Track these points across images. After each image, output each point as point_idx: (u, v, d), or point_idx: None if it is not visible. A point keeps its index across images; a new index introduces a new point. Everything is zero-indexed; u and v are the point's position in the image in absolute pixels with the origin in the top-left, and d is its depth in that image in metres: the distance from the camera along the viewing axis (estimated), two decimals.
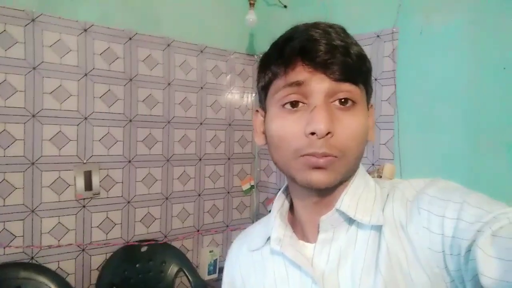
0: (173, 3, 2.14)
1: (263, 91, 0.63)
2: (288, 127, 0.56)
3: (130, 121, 2.02)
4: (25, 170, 1.71)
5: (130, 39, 2.00)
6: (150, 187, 2.11)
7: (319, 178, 0.55)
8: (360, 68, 0.57)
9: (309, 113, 0.55)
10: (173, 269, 2.11)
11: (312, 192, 0.59)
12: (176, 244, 2.21)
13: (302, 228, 0.64)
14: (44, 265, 1.75)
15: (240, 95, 2.47)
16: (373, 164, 1.91)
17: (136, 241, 2.05)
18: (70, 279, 1.83)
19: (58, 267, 1.81)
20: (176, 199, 2.22)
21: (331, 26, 0.58)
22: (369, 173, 1.84)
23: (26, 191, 1.72)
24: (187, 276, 2.10)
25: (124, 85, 1.99)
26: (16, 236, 1.69)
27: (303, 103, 0.56)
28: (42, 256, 1.76)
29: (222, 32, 2.32)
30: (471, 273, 0.46)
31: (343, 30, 0.58)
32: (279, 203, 0.68)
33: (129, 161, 2.02)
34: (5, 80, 1.65)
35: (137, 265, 2.03)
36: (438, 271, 0.51)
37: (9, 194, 1.68)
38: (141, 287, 2.01)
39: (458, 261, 0.48)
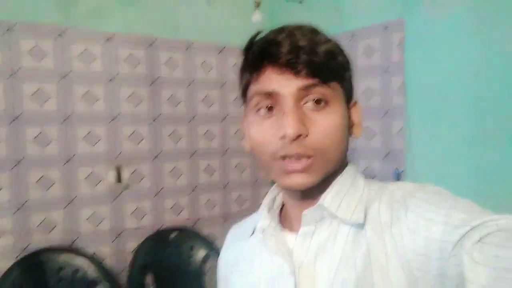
0: (188, 9, 2.28)
1: (242, 97, 0.65)
2: (264, 132, 0.59)
3: (155, 119, 2.20)
4: (62, 166, 1.96)
5: (151, 44, 2.17)
6: (177, 179, 2.29)
7: (298, 181, 0.57)
8: (329, 65, 0.57)
9: (281, 118, 0.56)
10: (200, 254, 2.27)
11: (295, 192, 0.62)
12: (205, 232, 2.37)
13: (290, 220, 0.67)
14: (82, 249, 1.99)
15: None
16: (387, 155, 1.91)
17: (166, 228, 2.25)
18: (106, 263, 2.06)
19: (95, 252, 2.04)
20: (202, 190, 2.38)
21: (299, 27, 0.58)
22: None
23: (64, 184, 1.97)
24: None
25: (148, 87, 2.18)
26: (56, 224, 1.95)
27: (276, 107, 0.58)
28: (81, 242, 2.00)
29: (240, 31, 2.40)
30: (455, 279, 0.46)
31: (312, 30, 0.59)
32: (271, 196, 0.71)
33: (156, 156, 2.21)
34: (39, 89, 1.89)
35: (167, 250, 2.21)
36: (418, 274, 0.50)
37: (50, 187, 1.93)
38: (172, 269, 2.20)
39: (441, 266, 0.48)
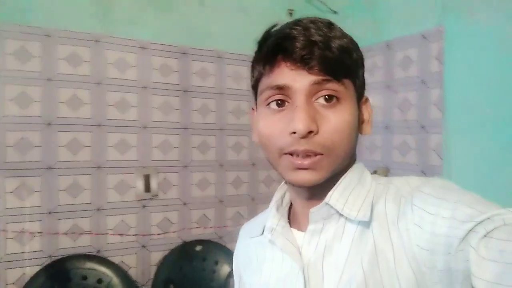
0: (220, 19, 2.28)
1: (254, 90, 0.66)
2: (273, 126, 0.58)
3: (185, 129, 2.18)
4: (92, 173, 1.95)
5: (184, 54, 2.18)
6: (204, 190, 2.26)
7: (305, 177, 0.57)
8: (342, 61, 0.57)
9: (292, 113, 0.56)
10: (225, 270, 2.22)
11: (302, 188, 0.62)
12: (230, 246, 2.31)
13: (298, 217, 0.67)
14: (108, 258, 1.96)
15: None
16: (423, 171, 1.83)
17: (192, 240, 2.20)
18: (131, 273, 2.03)
19: (121, 261, 2.02)
20: (230, 202, 2.33)
21: (313, 21, 0.58)
22: None
23: (93, 191, 1.96)
24: None
25: (179, 96, 2.17)
26: (84, 231, 1.93)
27: (288, 102, 0.58)
28: (107, 250, 1.98)
29: None
30: (462, 274, 0.46)
31: (327, 25, 0.58)
32: (279, 194, 0.71)
33: (185, 166, 2.19)
34: (74, 94, 1.91)
35: (192, 263, 2.17)
36: (425, 270, 0.50)
37: (79, 194, 1.93)
38: (195, 284, 2.15)
39: (447, 261, 0.47)
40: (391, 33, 1.96)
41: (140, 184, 2.06)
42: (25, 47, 1.80)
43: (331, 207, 0.59)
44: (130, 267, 2.04)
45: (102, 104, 1.97)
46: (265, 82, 0.59)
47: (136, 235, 2.05)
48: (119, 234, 2.01)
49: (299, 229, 0.66)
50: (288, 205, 0.71)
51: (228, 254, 2.25)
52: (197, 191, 2.23)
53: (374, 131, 2.05)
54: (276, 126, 0.58)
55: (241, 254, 0.79)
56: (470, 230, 0.45)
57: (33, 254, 1.80)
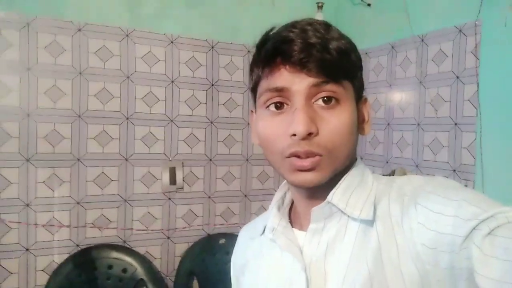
0: (249, 13, 2.27)
1: (252, 92, 0.65)
2: (273, 129, 0.59)
3: (211, 123, 2.19)
4: (120, 165, 1.99)
5: (212, 48, 2.17)
6: (229, 184, 2.26)
7: (306, 178, 0.57)
8: (341, 63, 0.57)
9: (291, 115, 0.56)
10: None
11: (304, 189, 0.62)
12: None
13: (299, 217, 0.67)
14: (133, 248, 2.00)
15: None
16: (454, 170, 1.76)
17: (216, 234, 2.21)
18: (156, 264, 2.07)
19: (146, 251, 2.05)
20: (255, 197, 2.33)
21: (311, 23, 0.58)
22: None
23: (120, 183, 2.00)
24: None
25: (206, 90, 2.18)
26: (111, 222, 1.97)
27: (287, 104, 0.58)
28: (132, 241, 2.02)
29: None
30: (465, 272, 0.46)
31: (325, 26, 0.58)
32: (280, 194, 0.71)
33: (210, 160, 2.20)
34: (103, 88, 1.94)
35: (215, 256, 2.18)
36: (429, 268, 0.50)
37: (107, 185, 1.97)
38: (218, 277, 2.16)
39: (451, 259, 0.47)
40: (425, 26, 1.88)
41: (165, 177, 2.08)
42: (57, 41, 1.84)
43: (333, 205, 0.59)
44: (155, 258, 2.08)
45: (130, 98, 2.00)
46: (264, 84, 0.59)
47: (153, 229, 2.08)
48: (141, 229, 2.04)
49: (301, 229, 0.65)
50: (289, 205, 0.71)
51: None
52: (222, 185, 2.24)
53: (405, 128, 1.99)
54: (276, 129, 0.58)
55: (240, 256, 0.78)
56: (473, 228, 0.45)
57: (61, 243, 1.87)
